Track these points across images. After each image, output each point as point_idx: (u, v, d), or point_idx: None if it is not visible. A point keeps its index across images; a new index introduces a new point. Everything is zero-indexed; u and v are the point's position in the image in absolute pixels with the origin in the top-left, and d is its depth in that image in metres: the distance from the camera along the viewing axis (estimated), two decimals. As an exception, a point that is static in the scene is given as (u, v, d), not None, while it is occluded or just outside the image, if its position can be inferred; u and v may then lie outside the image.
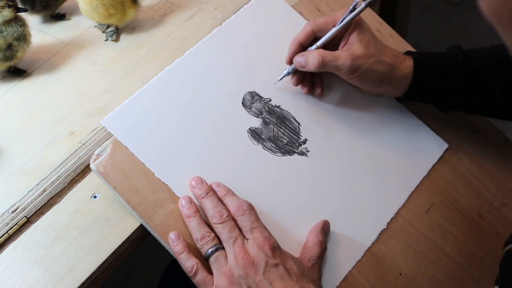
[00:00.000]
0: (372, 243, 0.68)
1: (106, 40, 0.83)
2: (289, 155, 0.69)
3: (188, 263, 0.59)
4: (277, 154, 0.68)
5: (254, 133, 0.68)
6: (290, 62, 0.71)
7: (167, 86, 0.69)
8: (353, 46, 0.68)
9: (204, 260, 0.60)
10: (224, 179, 0.64)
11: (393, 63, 0.68)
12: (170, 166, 0.64)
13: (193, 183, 0.63)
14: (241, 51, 0.74)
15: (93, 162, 0.62)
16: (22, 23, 0.76)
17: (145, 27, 0.84)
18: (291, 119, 0.71)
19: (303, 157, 0.69)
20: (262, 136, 0.69)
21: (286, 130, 0.70)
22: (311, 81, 0.73)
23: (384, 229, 0.69)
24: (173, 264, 0.82)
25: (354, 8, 0.67)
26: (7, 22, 0.75)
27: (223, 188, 0.63)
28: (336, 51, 0.68)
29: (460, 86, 0.69)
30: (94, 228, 0.62)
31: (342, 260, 0.66)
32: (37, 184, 0.66)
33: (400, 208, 0.71)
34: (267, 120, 0.70)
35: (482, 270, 0.71)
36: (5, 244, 0.62)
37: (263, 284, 0.57)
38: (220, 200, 0.62)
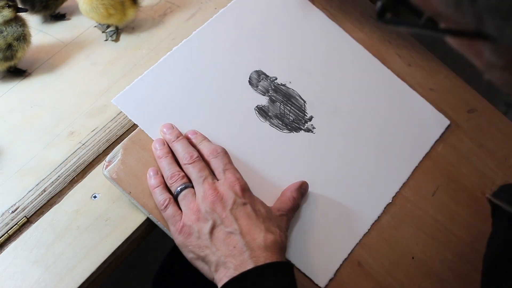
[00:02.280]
0: (378, 217, 0.69)
1: (106, 40, 0.83)
2: (296, 131, 0.70)
3: (161, 196, 0.61)
4: (283, 131, 0.70)
5: (261, 111, 0.70)
6: None
7: (176, 66, 0.70)
8: None
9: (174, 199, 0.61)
10: (232, 156, 0.65)
11: None
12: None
13: (164, 129, 0.65)
14: (247, 30, 0.75)
15: (105, 169, 0.62)
16: (22, 23, 0.76)
17: (145, 27, 0.85)
18: (297, 97, 0.72)
19: (309, 133, 0.71)
20: (269, 114, 0.70)
21: (292, 107, 0.71)
22: None
23: (390, 203, 0.70)
24: (171, 255, 0.82)
25: None
26: (7, 22, 0.75)
27: (199, 135, 0.65)
28: None
29: None
30: (94, 228, 0.62)
31: (348, 234, 0.67)
32: (37, 184, 0.66)
33: (406, 184, 0.72)
34: (274, 98, 0.71)
35: None
36: (5, 244, 0.62)
37: (229, 220, 0.57)
38: (193, 145, 0.64)
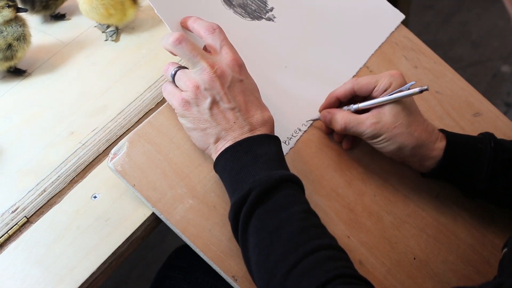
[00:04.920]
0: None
1: (106, 40, 0.83)
2: (258, 20, 0.75)
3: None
4: (246, 19, 0.74)
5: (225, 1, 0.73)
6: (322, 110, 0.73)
7: None
8: (381, 113, 0.66)
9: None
10: (197, 39, 0.66)
11: (423, 140, 0.66)
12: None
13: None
14: None
15: (110, 161, 0.62)
16: (22, 23, 0.76)
17: (145, 27, 0.84)
18: None
19: (270, 22, 0.75)
20: (233, 2, 0.73)
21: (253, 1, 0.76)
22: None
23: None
24: (176, 253, 0.82)
25: (406, 89, 0.66)
26: (7, 22, 0.75)
27: (193, 17, 0.66)
28: (362, 116, 0.67)
29: (489, 179, 0.67)
30: (94, 228, 0.62)
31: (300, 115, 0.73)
32: (37, 184, 0.66)
33: (408, 185, 0.73)
34: None
35: (492, 250, 0.73)
36: (5, 244, 0.62)
37: (227, 97, 0.61)
38: (186, 28, 0.67)
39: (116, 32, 0.83)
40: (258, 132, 0.61)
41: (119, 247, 0.61)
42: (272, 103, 0.68)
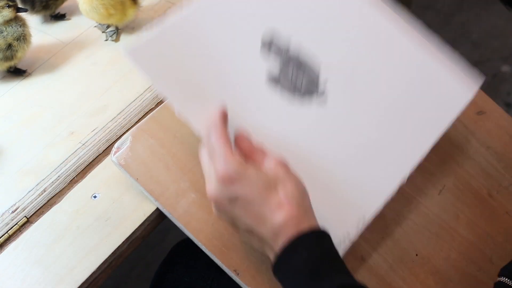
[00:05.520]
0: (391, 197, 0.65)
1: (106, 40, 0.83)
2: (309, 96, 0.67)
3: None
4: (296, 96, 0.66)
5: (273, 78, 0.66)
6: None
7: (187, 28, 0.64)
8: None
9: None
10: (244, 123, 0.61)
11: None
12: (193, 105, 0.60)
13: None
14: None
15: (113, 155, 0.63)
16: (22, 23, 0.76)
17: (145, 27, 0.84)
18: (310, 61, 0.68)
19: (322, 99, 0.67)
20: (281, 78, 0.66)
21: (305, 72, 0.67)
22: None
23: (403, 183, 0.67)
24: (177, 247, 0.82)
25: None
26: (7, 22, 0.75)
27: None
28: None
29: None
30: (94, 228, 0.62)
31: (360, 209, 0.63)
32: (37, 184, 0.66)
33: (410, 181, 0.68)
34: (286, 62, 0.68)
35: (494, 248, 0.73)
36: (5, 244, 0.62)
37: (235, 217, 0.54)
38: None
39: (116, 32, 0.83)
40: (279, 245, 0.52)
41: (119, 247, 0.61)
42: (327, 199, 0.62)
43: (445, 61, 0.72)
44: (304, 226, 0.52)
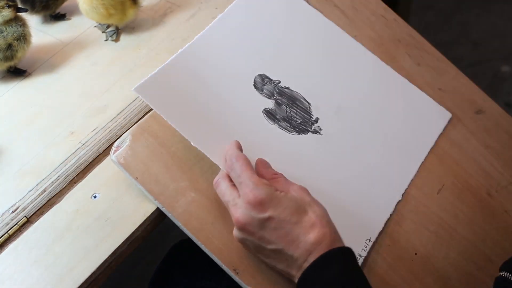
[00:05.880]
0: (391, 215, 0.69)
1: (106, 40, 0.83)
2: (304, 133, 0.71)
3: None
4: (292, 133, 0.70)
5: (269, 114, 0.70)
6: None
7: (180, 69, 0.68)
8: None
9: None
10: (249, 150, 0.64)
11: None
12: (202, 135, 0.64)
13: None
14: (248, 34, 0.75)
15: (113, 154, 0.63)
16: (22, 23, 0.77)
17: (145, 27, 0.85)
18: (301, 99, 0.73)
19: (317, 135, 0.71)
20: (277, 116, 0.71)
21: (298, 110, 0.72)
22: None
23: (400, 200, 0.71)
24: (175, 248, 0.82)
25: None
26: (7, 22, 0.75)
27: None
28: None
29: None
30: (94, 228, 0.62)
31: (360, 235, 0.67)
32: (37, 184, 0.66)
33: (412, 180, 0.73)
34: (279, 101, 0.71)
35: (493, 247, 0.73)
36: (5, 244, 0.62)
37: (265, 240, 0.56)
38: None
39: (116, 32, 0.83)
40: (313, 257, 0.54)
41: (119, 247, 0.61)
42: None
43: (422, 93, 0.81)
44: (335, 243, 0.55)
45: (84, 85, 0.77)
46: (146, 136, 0.65)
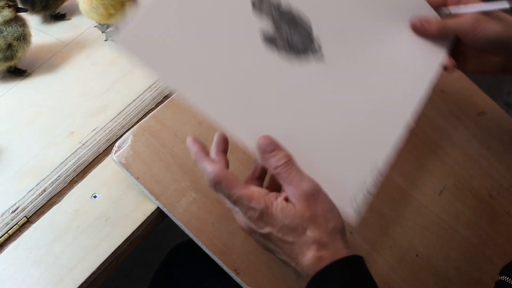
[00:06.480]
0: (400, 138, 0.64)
1: (106, 40, 0.83)
2: (305, 54, 0.66)
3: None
4: (293, 55, 0.66)
5: (267, 34, 0.66)
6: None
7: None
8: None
9: None
10: (249, 85, 0.59)
11: None
12: (190, 78, 0.55)
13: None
14: None
15: (114, 154, 0.63)
16: (22, 23, 0.76)
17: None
18: (302, 17, 0.67)
19: (319, 55, 0.67)
20: (275, 36, 0.65)
21: (298, 29, 0.67)
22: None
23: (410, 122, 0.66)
24: (176, 249, 0.82)
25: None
26: (7, 22, 0.75)
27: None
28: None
29: None
30: (94, 228, 0.62)
31: (375, 152, 0.63)
32: (37, 184, 0.66)
33: (412, 182, 0.72)
34: (278, 20, 0.67)
35: (495, 249, 0.73)
36: (5, 244, 0.61)
37: (271, 248, 0.54)
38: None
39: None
40: (319, 267, 0.52)
41: (119, 247, 0.61)
42: (333, 153, 0.60)
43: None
44: (341, 253, 0.53)
45: (84, 85, 0.77)
46: (147, 136, 0.65)
